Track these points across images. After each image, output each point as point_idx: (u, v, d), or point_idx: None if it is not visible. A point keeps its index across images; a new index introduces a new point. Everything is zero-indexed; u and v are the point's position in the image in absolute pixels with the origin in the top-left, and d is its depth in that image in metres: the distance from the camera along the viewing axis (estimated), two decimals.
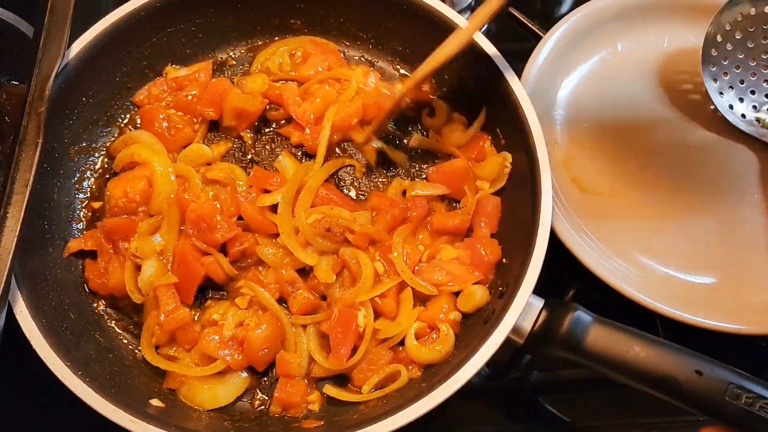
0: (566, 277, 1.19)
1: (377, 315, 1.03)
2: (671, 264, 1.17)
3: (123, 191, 1.08)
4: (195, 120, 1.18)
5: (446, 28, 1.13)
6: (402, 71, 1.28)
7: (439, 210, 1.13)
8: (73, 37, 1.07)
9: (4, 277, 0.86)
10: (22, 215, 0.90)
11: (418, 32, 1.21)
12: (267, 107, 1.19)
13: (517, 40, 1.40)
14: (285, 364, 0.99)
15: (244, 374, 1.01)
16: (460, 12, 1.17)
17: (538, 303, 0.95)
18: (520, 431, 1.15)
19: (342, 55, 1.27)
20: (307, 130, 1.16)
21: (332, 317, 1.00)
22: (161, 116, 1.16)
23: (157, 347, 1.01)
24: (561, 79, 1.33)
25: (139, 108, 1.20)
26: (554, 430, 1.17)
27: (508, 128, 1.13)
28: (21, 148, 0.95)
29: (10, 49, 1.15)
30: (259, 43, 1.29)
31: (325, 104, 1.16)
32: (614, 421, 1.13)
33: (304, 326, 1.03)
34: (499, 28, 1.48)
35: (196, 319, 1.04)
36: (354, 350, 0.99)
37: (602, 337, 0.90)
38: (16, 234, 0.89)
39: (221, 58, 1.27)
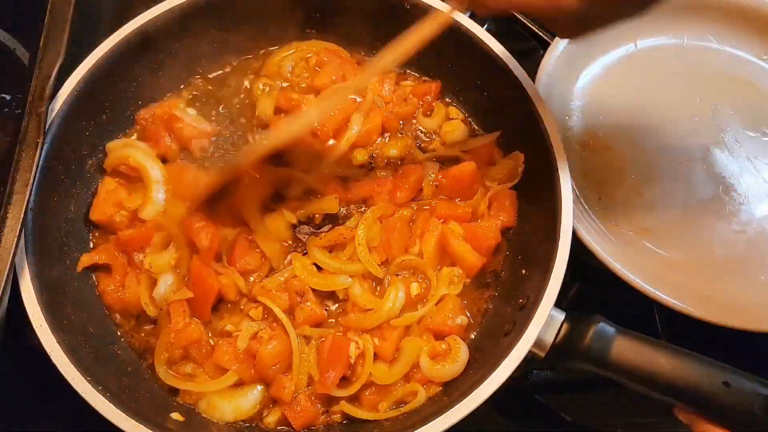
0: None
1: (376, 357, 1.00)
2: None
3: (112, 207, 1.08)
4: None
5: (461, 34, 1.13)
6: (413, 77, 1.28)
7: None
8: (81, 44, 1.07)
9: (4, 277, 0.86)
10: (22, 215, 0.90)
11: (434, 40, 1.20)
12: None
13: (519, 40, 1.37)
14: (279, 387, 0.97)
15: (263, 386, 0.99)
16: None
17: (560, 315, 0.93)
18: (520, 431, 1.15)
19: (357, 63, 1.26)
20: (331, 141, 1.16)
21: (326, 341, 0.99)
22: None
23: (172, 363, 1.00)
24: (579, 71, 1.34)
25: None
26: (554, 430, 1.16)
27: (526, 138, 1.11)
28: (21, 148, 0.95)
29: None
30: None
31: (344, 117, 1.16)
32: (614, 421, 1.13)
33: (308, 341, 1.01)
34: (501, 27, 1.47)
35: (209, 334, 1.02)
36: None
37: (626, 350, 0.88)
38: (16, 234, 0.89)
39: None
